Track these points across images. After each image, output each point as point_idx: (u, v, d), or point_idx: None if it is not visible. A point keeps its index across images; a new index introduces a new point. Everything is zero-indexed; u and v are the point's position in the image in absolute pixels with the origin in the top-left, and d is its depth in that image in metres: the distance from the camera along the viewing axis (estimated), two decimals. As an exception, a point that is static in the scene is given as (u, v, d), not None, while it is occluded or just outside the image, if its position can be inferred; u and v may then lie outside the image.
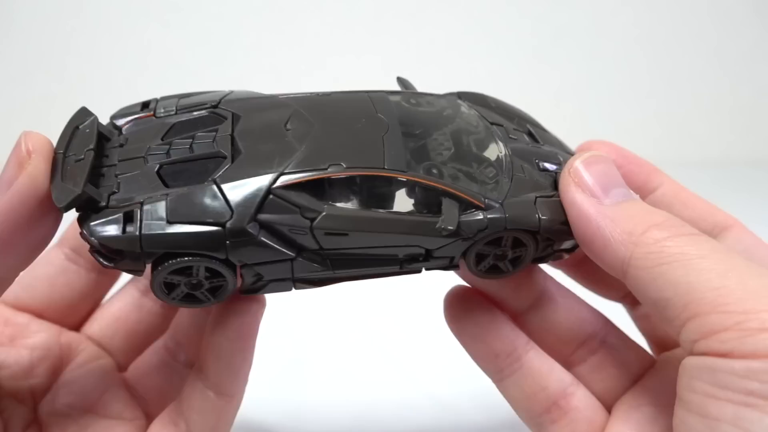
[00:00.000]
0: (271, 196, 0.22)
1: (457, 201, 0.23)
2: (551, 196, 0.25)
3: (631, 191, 0.25)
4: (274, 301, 0.30)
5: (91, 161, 0.24)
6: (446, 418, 0.43)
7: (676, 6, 0.91)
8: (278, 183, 0.22)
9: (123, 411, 0.32)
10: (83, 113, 0.28)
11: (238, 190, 0.22)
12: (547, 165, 0.28)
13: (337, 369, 0.49)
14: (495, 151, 0.27)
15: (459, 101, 0.31)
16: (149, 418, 0.32)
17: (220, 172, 0.23)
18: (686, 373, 0.20)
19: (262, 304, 0.29)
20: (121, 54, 0.93)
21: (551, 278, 0.31)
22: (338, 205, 0.23)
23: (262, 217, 0.22)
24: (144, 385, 0.33)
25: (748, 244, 0.27)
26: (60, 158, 0.26)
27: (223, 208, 0.21)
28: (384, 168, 0.23)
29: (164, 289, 0.24)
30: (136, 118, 0.27)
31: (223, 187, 0.22)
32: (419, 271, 0.26)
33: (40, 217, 0.24)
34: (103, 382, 0.32)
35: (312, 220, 0.22)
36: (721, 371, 0.18)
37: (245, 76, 0.94)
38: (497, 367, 0.29)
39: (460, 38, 0.92)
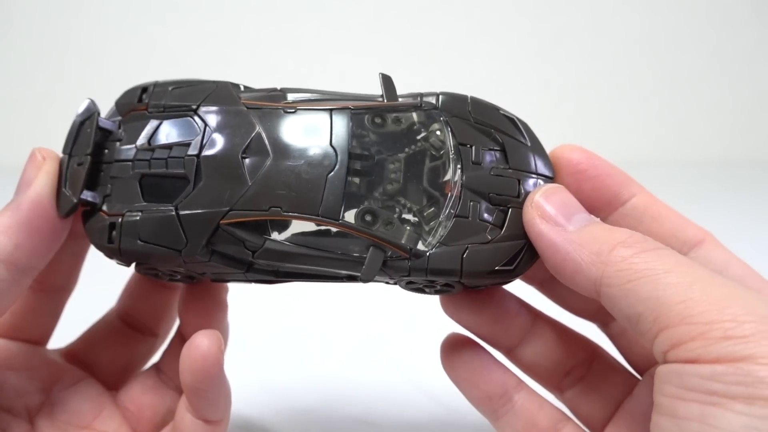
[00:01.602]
0: (219, 230, 0.25)
1: (383, 250, 0.26)
2: (488, 242, 0.27)
3: (592, 216, 0.27)
4: (265, 289, 0.32)
5: (88, 167, 0.27)
6: (435, 409, 0.43)
7: (676, 6, 0.91)
8: (225, 219, 0.25)
9: (117, 430, 0.32)
10: (89, 108, 0.29)
11: (193, 222, 0.26)
12: (500, 199, 0.28)
13: (328, 359, 0.50)
14: (447, 182, 0.28)
15: (435, 112, 0.32)
16: None
17: (182, 200, 0.26)
18: (659, 379, 0.21)
19: (219, 351, 0.29)
20: (121, 53, 0.93)
21: (539, 312, 0.33)
22: (279, 238, 0.26)
23: (212, 246, 0.26)
24: (136, 405, 0.34)
25: (720, 259, 0.28)
26: (65, 161, 0.29)
27: (179, 236, 0.26)
28: (318, 215, 0.25)
29: (148, 273, 0.29)
30: (132, 110, 0.29)
31: (182, 215, 0.26)
32: (365, 283, 0.28)
33: (55, 222, 0.28)
34: (97, 401, 0.33)
35: (254, 251, 0.26)
36: (689, 375, 0.20)
37: (245, 76, 0.94)
38: (491, 408, 0.31)
39: (460, 38, 0.92)
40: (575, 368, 0.32)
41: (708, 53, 0.93)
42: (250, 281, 0.29)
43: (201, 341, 0.27)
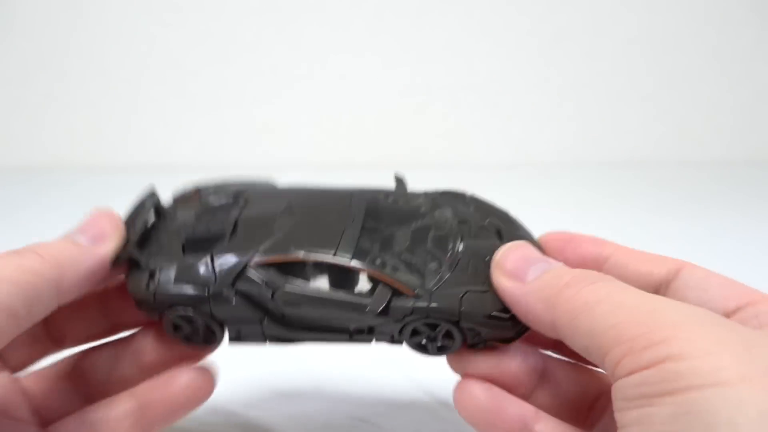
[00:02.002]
0: (245, 270, 0.28)
1: (390, 288, 0.28)
2: (486, 290, 0.29)
3: (551, 261, 0.29)
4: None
5: (142, 231, 0.32)
6: (433, 406, 0.43)
7: (675, 6, 0.91)
8: (251, 262, 0.29)
9: (26, 416, 0.32)
10: (152, 191, 0.34)
11: (224, 264, 0.29)
12: None
13: (326, 356, 0.50)
14: (449, 247, 0.31)
15: (439, 198, 0.36)
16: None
17: (217, 248, 0.30)
18: (612, 399, 0.24)
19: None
20: (121, 53, 0.93)
21: (548, 356, 0.33)
22: (297, 281, 0.29)
23: (238, 286, 0.29)
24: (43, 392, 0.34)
25: (700, 278, 0.30)
26: (125, 226, 0.33)
27: (210, 276, 0.29)
28: (334, 255, 0.29)
29: (172, 328, 0.31)
30: (186, 198, 0.35)
31: (215, 259, 0.29)
32: (369, 342, 0.31)
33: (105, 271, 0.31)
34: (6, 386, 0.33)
35: (274, 292, 0.29)
36: (626, 387, 0.22)
37: (245, 75, 0.94)
38: None
39: (460, 38, 0.92)
40: (597, 400, 0.32)
41: (708, 53, 0.93)
42: (266, 337, 0.31)
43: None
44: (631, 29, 0.92)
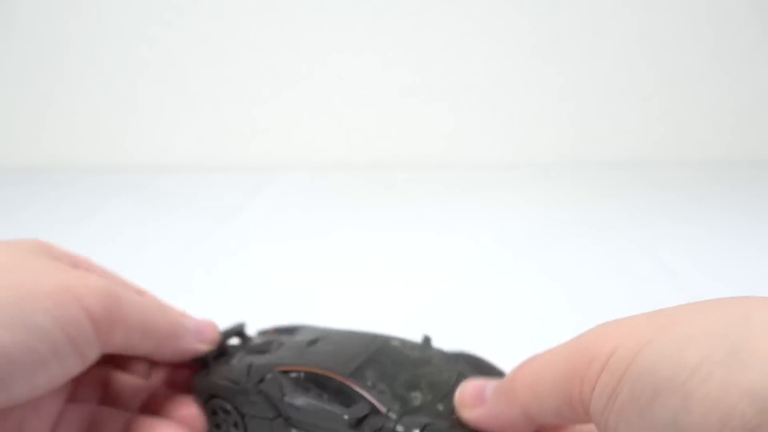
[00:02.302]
0: (268, 375, 0.34)
1: (368, 404, 0.33)
2: (450, 427, 0.32)
3: (493, 382, 0.30)
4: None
5: (222, 347, 0.37)
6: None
7: (675, 6, 0.91)
8: (275, 368, 0.34)
9: None
10: (241, 324, 0.40)
11: (258, 367, 0.35)
12: None
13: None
14: (439, 390, 0.34)
15: (445, 356, 0.39)
16: None
17: (256, 357, 0.36)
18: (596, 425, 0.24)
19: None
20: (121, 53, 0.93)
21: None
22: (301, 390, 0.34)
23: (260, 386, 0.34)
24: None
25: None
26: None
27: (243, 375, 0.35)
28: (333, 371, 0.34)
29: (209, 416, 0.35)
30: (266, 332, 0.41)
31: (252, 362, 0.35)
32: None
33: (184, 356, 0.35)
34: None
35: (284, 394, 0.34)
36: (596, 401, 0.22)
37: (245, 75, 0.94)
38: None
39: (460, 38, 0.92)
40: None
41: (708, 53, 0.93)
42: None
43: None
44: (631, 29, 0.92)
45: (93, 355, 0.26)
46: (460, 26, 0.92)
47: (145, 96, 0.95)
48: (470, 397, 0.30)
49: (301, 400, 0.34)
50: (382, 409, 0.32)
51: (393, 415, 0.32)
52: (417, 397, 0.34)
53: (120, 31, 0.93)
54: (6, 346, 0.22)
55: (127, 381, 0.34)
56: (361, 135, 0.96)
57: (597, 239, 0.65)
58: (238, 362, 0.36)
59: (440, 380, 0.35)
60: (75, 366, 0.25)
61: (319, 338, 0.38)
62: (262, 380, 0.34)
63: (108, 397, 0.33)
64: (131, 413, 0.32)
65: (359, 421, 0.32)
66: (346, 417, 0.33)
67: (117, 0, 0.91)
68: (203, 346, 0.35)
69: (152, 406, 0.33)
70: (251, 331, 0.41)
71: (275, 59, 0.93)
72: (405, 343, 0.39)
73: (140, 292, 0.33)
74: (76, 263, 0.30)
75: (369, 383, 0.34)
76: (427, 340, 0.40)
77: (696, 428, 0.18)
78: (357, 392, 0.33)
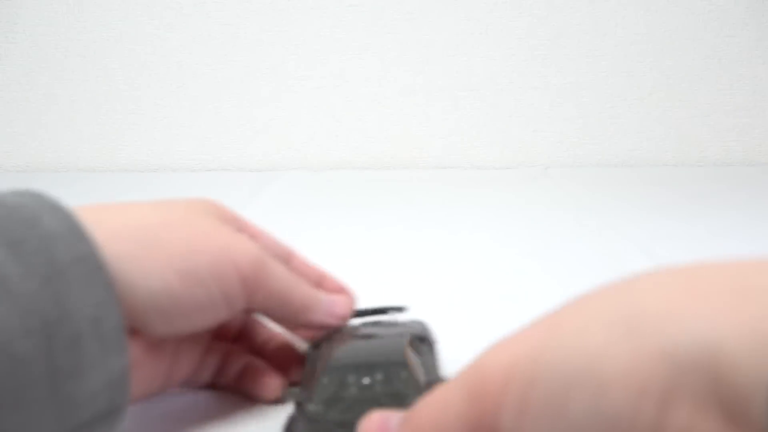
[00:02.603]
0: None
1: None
2: None
3: (397, 415, 0.27)
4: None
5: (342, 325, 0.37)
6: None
7: (675, 7, 0.92)
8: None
9: None
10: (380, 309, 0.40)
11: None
12: None
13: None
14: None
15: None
16: None
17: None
18: None
19: None
20: (120, 53, 0.93)
21: None
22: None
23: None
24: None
25: None
26: None
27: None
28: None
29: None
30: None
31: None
32: None
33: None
34: None
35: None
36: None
37: (245, 76, 0.94)
38: None
39: (460, 38, 0.92)
40: None
41: (707, 54, 0.93)
42: None
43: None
44: (631, 30, 0.92)
45: (238, 307, 0.31)
46: (460, 26, 0.92)
47: (145, 96, 0.95)
48: (374, 431, 0.27)
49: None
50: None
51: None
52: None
53: (120, 32, 0.93)
54: (174, 289, 0.27)
55: (262, 329, 0.38)
56: (361, 135, 0.96)
57: (597, 239, 0.65)
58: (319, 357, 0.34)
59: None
60: (224, 313, 0.30)
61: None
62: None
63: (240, 338, 0.37)
64: (253, 356, 0.36)
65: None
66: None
67: (118, 0, 0.92)
68: (332, 321, 0.36)
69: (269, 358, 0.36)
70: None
71: (275, 59, 0.93)
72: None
73: (288, 257, 0.37)
74: (241, 227, 0.35)
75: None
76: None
77: (617, 408, 0.17)
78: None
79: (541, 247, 0.64)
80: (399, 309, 0.39)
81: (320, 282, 0.39)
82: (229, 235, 0.31)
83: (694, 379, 0.16)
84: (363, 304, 0.39)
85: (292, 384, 0.35)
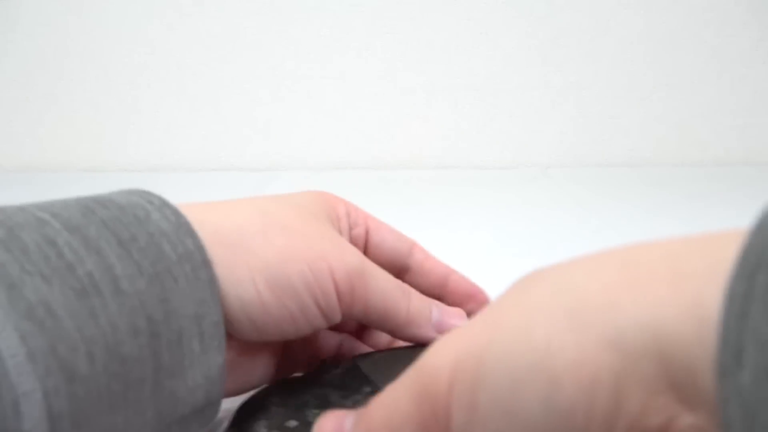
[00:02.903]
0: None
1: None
2: None
3: (352, 415, 0.26)
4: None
5: None
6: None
7: (675, 7, 0.92)
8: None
9: None
10: None
11: None
12: None
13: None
14: None
15: None
16: None
17: None
18: None
19: None
20: (120, 53, 0.93)
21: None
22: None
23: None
24: None
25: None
26: None
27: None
28: None
29: None
30: None
31: None
32: None
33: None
34: None
35: None
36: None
37: (245, 76, 0.94)
38: None
39: (460, 38, 0.92)
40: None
41: (708, 54, 0.93)
42: None
43: None
44: (631, 30, 0.92)
45: (336, 318, 0.29)
46: (461, 26, 0.92)
47: (145, 96, 0.95)
48: (330, 431, 0.26)
49: None
50: None
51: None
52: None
53: (120, 32, 0.93)
54: (265, 299, 0.27)
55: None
56: (361, 135, 0.96)
57: (597, 239, 0.65)
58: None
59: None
60: (320, 323, 0.29)
61: None
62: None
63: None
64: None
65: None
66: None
67: (118, 0, 0.92)
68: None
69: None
70: None
71: (275, 59, 0.93)
72: None
73: (409, 252, 0.37)
74: (355, 223, 0.35)
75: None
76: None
77: (571, 401, 0.17)
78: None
79: (541, 247, 0.64)
80: None
81: (444, 282, 0.37)
82: (330, 242, 0.30)
83: (643, 365, 0.16)
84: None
85: None
